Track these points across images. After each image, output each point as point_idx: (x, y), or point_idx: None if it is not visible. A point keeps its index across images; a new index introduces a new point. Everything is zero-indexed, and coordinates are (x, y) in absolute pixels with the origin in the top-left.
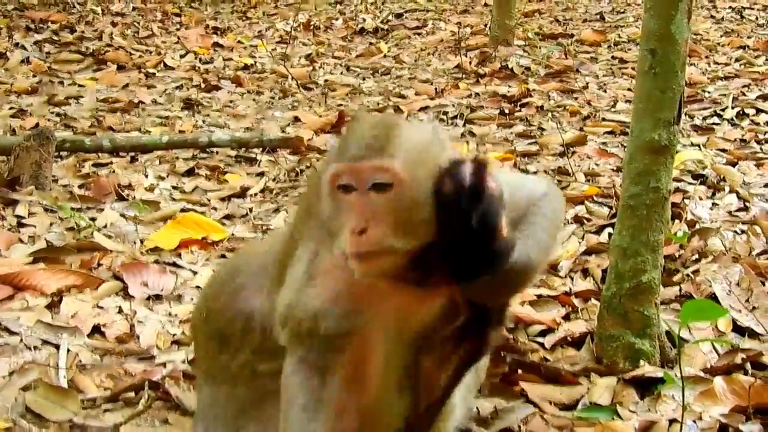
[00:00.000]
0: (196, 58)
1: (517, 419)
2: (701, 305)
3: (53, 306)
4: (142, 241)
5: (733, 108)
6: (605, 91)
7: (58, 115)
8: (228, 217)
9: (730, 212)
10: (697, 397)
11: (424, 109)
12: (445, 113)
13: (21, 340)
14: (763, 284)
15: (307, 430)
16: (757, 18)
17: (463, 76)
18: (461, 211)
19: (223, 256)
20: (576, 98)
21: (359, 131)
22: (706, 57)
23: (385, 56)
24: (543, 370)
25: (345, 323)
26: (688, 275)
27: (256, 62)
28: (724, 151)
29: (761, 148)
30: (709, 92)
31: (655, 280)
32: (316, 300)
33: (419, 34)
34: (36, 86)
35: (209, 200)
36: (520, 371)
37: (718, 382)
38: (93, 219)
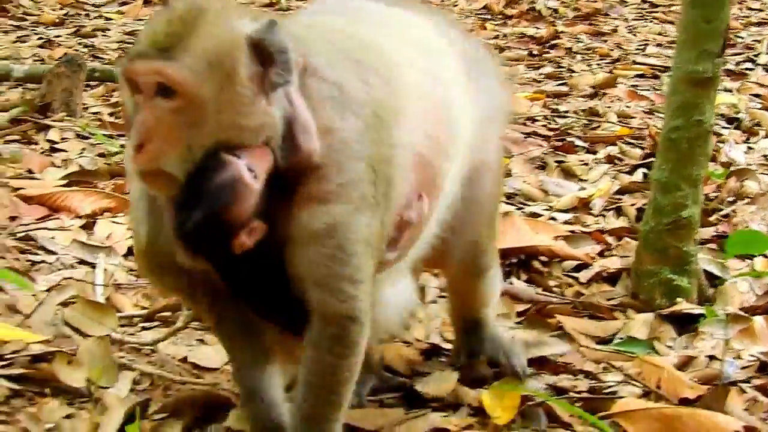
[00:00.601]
0: None
1: (553, 351)
2: (748, 237)
3: (88, 227)
4: None
5: (767, 54)
6: (635, 35)
7: (85, 46)
8: None
9: (765, 156)
10: (736, 336)
11: None
12: None
13: (57, 259)
14: None
15: None
16: None
17: (491, 17)
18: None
19: None
20: (605, 41)
21: (156, 23)
22: (740, 2)
23: None
24: (578, 304)
25: None
26: (725, 216)
27: None
28: (757, 96)
29: None
30: (742, 38)
31: (695, 216)
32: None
33: None
34: (63, 18)
35: None
36: (554, 305)
37: (758, 320)
38: (123, 146)
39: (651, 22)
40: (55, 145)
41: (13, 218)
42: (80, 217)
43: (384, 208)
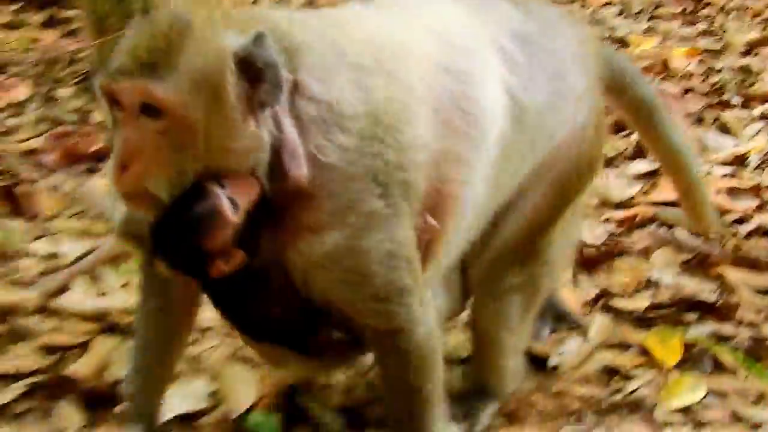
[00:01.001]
0: None
1: (711, 298)
2: None
3: None
4: None
5: None
6: None
7: None
8: None
9: None
10: None
11: (607, 4)
12: (629, 8)
13: None
14: None
15: None
16: None
17: None
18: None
19: None
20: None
21: (137, 36)
22: None
23: None
24: (739, 256)
25: None
26: None
27: None
28: None
29: None
30: None
31: None
32: None
33: None
34: None
35: None
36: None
37: None
38: None
39: None
40: None
41: None
42: None
43: (408, 213)
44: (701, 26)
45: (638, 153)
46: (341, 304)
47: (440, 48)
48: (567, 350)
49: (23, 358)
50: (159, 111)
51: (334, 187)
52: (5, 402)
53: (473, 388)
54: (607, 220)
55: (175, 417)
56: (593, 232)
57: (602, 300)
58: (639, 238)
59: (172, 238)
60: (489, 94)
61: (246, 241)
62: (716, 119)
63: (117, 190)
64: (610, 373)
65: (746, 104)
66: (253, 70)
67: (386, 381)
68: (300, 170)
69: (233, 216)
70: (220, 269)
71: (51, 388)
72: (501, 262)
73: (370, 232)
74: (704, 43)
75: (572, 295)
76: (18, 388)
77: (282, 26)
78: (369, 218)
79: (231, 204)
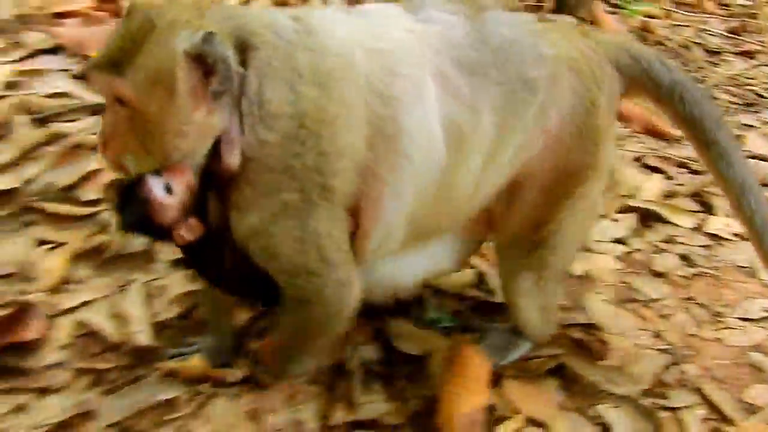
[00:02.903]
0: None
1: None
2: None
3: None
4: None
5: None
6: None
7: None
8: None
9: None
10: None
11: None
12: None
13: None
14: None
15: None
16: None
17: None
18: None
19: None
20: None
21: (115, 34)
22: None
23: None
24: None
25: None
26: None
27: None
28: None
29: None
30: None
31: None
32: None
33: None
34: None
35: None
36: None
37: None
38: None
39: None
40: None
41: None
42: None
43: (326, 208)
44: None
45: None
46: (266, 270)
47: (380, 71)
48: None
49: None
50: (124, 102)
51: (254, 177)
52: None
53: (512, 328)
54: None
55: None
56: None
57: None
58: None
59: (126, 218)
60: (418, 120)
61: (200, 211)
62: None
63: (103, 160)
64: None
65: None
66: (205, 65)
67: (283, 320)
68: (232, 159)
69: (167, 198)
70: (182, 238)
71: None
72: (511, 246)
73: (282, 219)
74: None
75: None
76: None
77: (248, 25)
78: (282, 207)
79: (166, 188)
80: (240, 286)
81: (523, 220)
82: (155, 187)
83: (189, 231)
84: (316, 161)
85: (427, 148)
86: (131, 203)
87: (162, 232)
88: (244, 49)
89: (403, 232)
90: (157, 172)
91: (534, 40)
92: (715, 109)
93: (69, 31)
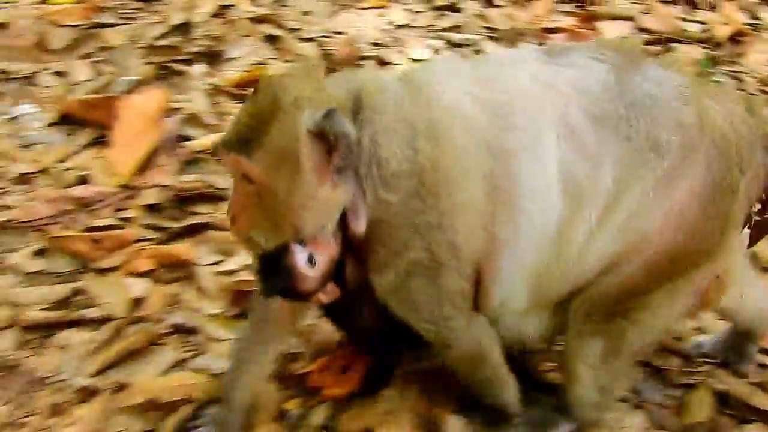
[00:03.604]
0: None
1: None
2: None
3: None
4: None
5: None
6: None
7: None
8: None
9: None
10: None
11: None
12: None
13: None
14: None
15: None
16: None
17: None
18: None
19: None
20: None
21: (241, 114)
22: None
23: None
24: None
25: None
26: None
27: None
28: None
29: None
30: None
31: None
32: None
33: None
34: None
35: None
36: None
37: None
38: None
39: None
40: None
41: None
42: None
43: (454, 267)
44: None
45: None
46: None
47: (493, 123)
48: None
49: None
50: (251, 181)
51: (384, 237)
52: None
53: (558, 404)
54: None
55: None
56: None
57: None
58: None
59: (269, 286)
60: (533, 175)
61: (338, 273)
62: None
63: (232, 234)
64: None
65: None
66: (326, 141)
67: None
68: (359, 228)
69: (310, 270)
70: (319, 300)
71: None
72: (591, 306)
73: (416, 276)
74: None
75: None
76: None
77: (360, 89)
78: (414, 265)
79: (309, 260)
80: (378, 339)
81: (613, 287)
82: (300, 258)
83: (326, 295)
84: (438, 219)
85: (543, 203)
86: (275, 271)
87: (302, 297)
88: (357, 111)
89: (525, 291)
90: (302, 242)
91: (679, 104)
92: None
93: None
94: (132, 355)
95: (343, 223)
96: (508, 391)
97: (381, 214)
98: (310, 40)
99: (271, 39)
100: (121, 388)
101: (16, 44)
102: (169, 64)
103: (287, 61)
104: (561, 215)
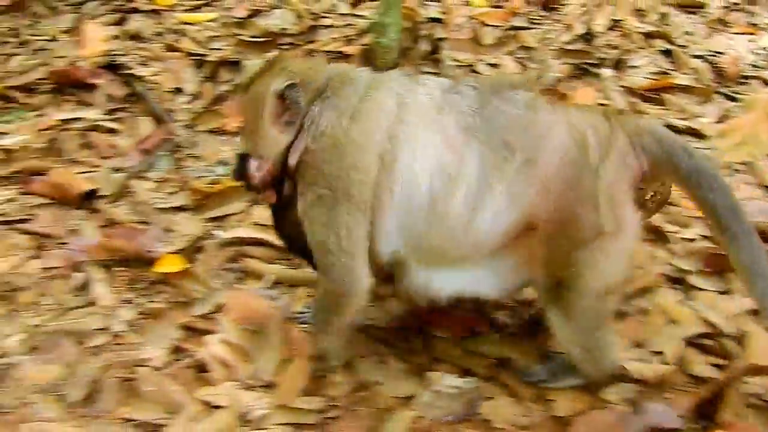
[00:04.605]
0: None
1: None
2: None
3: None
4: None
5: None
6: None
7: None
8: None
9: None
10: None
11: None
12: None
13: None
14: None
15: None
16: None
17: None
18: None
19: None
20: None
21: (254, 68)
22: None
23: None
24: None
25: None
26: None
27: None
28: None
29: None
30: None
31: None
32: None
33: None
34: None
35: None
36: None
37: None
38: None
39: None
40: None
41: None
42: None
43: (346, 207)
44: None
45: None
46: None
47: (397, 118)
48: None
49: None
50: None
51: (304, 173)
52: None
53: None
54: None
55: None
56: None
57: None
58: None
59: (234, 172)
60: (412, 157)
61: (278, 189)
62: None
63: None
64: None
65: None
66: (285, 101)
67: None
68: (291, 161)
69: (256, 174)
70: (267, 199)
71: None
72: (543, 282)
73: (317, 206)
74: None
75: None
76: None
77: (333, 77)
78: (318, 198)
79: (256, 167)
80: (298, 248)
81: (546, 262)
82: (251, 164)
83: (266, 198)
84: (339, 171)
85: (415, 179)
86: (240, 163)
87: (251, 189)
88: (323, 90)
89: (411, 247)
90: (258, 157)
91: (524, 114)
92: (732, 197)
93: None
94: None
95: (286, 155)
96: (333, 341)
97: (307, 157)
98: (699, 57)
99: (666, 53)
100: None
101: (457, 37)
102: (583, 66)
103: (684, 74)
104: (432, 190)
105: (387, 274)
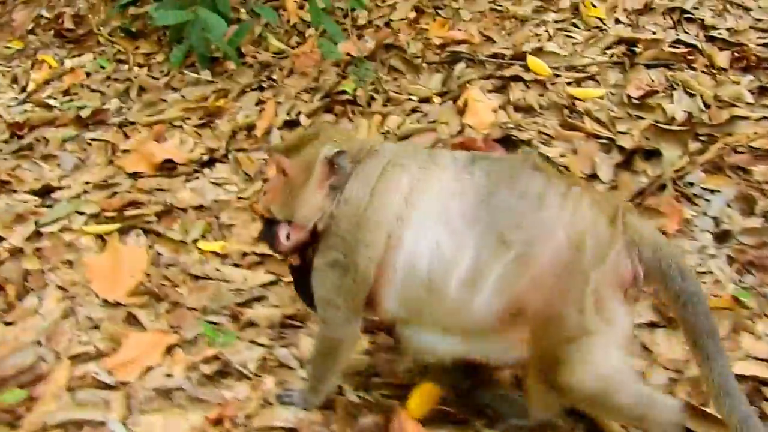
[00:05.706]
0: None
1: None
2: None
3: None
4: None
5: None
6: None
7: None
8: None
9: None
10: None
11: None
12: None
13: None
14: None
15: None
16: None
17: None
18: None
19: None
20: None
21: (297, 134)
22: None
23: None
24: None
25: None
26: None
27: None
28: None
29: None
30: None
31: None
32: None
33: None
34: None
35: None
36: None
37: None
38: None
39: None
40: None
41: None
42: None
43: (352, 275)
44: None
45: None
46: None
47: (407, 201)
48: None
49: None
50: (285, 173)
51: (327, 237)
52: None
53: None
54: None
55: None
56: None
57: None
58: None
59: (261, 237)
60: (414, 238)
61: (303, 253)
62: None
63: (261, 203)
64: None
65: None
66: (332, 167)
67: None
68: (321, 226)
69: (284, 241)
70: (291, 260)
71: None
72: (535, 364)
73: (332, 268)
74: None
75: None
76: None
77: (368, 149)
78: (334, 261)
79: (286, 235)
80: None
81: (535, 349)
82: (282, 232)
83: (291, 260)
84: (355, 243)
85: (415, 259)
86: (268, 230)
87: (276, 252)
88: (357, 161)
89: (408, 314)
90: (289, 223)
91: (529, 210)
92: (712, 321)
93: None
94: None
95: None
96: (324, 386)
97: (331, 222)
98: None
99: None
100: None
101: None
102: None
103: None
104: (430, 269)
105: (389, 327)
